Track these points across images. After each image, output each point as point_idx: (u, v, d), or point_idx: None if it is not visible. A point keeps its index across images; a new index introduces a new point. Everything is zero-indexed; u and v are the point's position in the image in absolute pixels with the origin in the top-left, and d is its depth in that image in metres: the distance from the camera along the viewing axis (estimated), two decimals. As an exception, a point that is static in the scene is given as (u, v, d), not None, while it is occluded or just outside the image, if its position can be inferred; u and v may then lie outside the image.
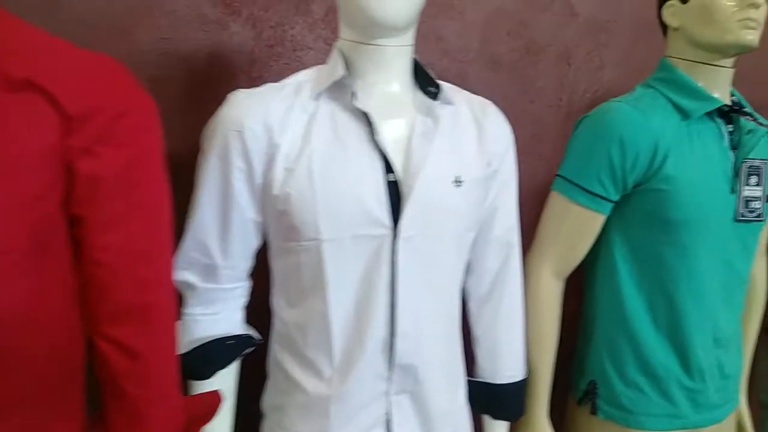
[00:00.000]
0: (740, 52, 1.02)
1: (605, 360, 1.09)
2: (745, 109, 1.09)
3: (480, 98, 0.98)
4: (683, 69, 1.06)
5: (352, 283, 0.82)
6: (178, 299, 0.81)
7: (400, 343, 0.83)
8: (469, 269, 0.98)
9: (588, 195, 1.03)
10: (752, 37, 0.99)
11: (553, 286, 1.07)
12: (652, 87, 1.08)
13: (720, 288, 1.05)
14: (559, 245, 1.06)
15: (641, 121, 1.00)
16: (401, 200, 0.83)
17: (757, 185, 1.05)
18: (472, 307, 1.00)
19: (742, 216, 1.04)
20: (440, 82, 0.91)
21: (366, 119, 0.83)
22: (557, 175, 1.08)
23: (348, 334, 0.83)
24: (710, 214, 1.01)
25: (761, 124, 1.06)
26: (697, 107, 1.02)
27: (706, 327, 1.05)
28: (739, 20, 0.98)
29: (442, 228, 0.85)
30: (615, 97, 1.12)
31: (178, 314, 0.81)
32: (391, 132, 0.85)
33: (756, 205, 1.05)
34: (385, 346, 0.83)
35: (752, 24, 0.98)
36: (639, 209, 1.03)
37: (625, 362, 1.07)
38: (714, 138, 1.04)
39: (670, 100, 1.04)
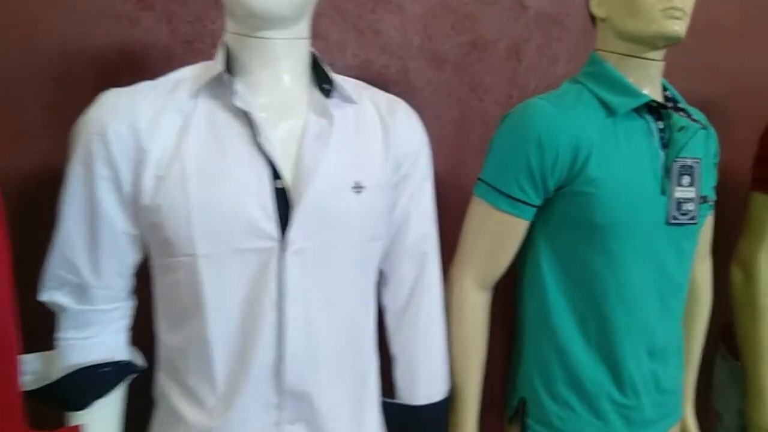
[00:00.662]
0: (667, 43, 0.96)
1: (534, 376, 1.03)
2: (679, 105, 1.03)
3: (389, 96, 0.91)
4: (613, 63, 1.00)
5: (235, 303, 0.75)
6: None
7: (289, 368, 0.76)
8: (384, 281, 0.93)
9: (508, 200, 0.97)
10: (678, 27, 0.93)
11: (477, 296, 1.01)
12: (579, 82, 1.03)
13: (654, 296, 0.99)
14: (480, 253, 1.00)
15: (561, 120, 0.94)
16: (290, 209, 0.76)
17: (690, 186, 0.99)
18: (389, 322, 0.94)
19: (675, 219, 0.98)
20: (338, 79, 0.85)
21: (247, 119, 0.76)
22: (478, 179, 1.02)
23: (232, 359, 0.76)
24: (639, 217, 0.95)
25: (695, 121, 1.00)
26: (623, 103, 0.96)
27: (639, 338, 0.99)
28: (662, 9, 0.92)
29: (338, 238, 0.79)
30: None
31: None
32: (280, 134, 0.78)
33: (689, 207, 0.99)
34: (273, 371, 0.76)
35: (677, 13, 0.92)
36: (563, 214, 0.97)
37: (554, 378, 1.01)
38: (643, 136, 0.98)
39: (596, 96, 0.98)
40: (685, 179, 0.98)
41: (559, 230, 0.98)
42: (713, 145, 1.09)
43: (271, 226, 0.75)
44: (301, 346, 0.77)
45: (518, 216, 0.98)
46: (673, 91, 1.05)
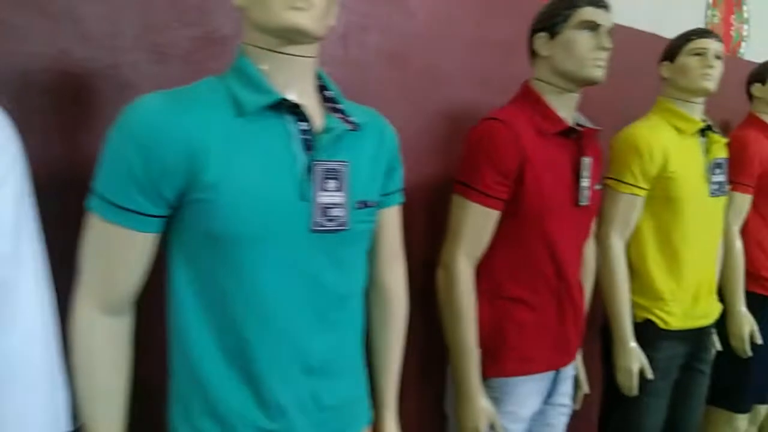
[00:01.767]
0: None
1: (174, 406, 0.90)
2: (337, 105, 0.93)
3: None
4: (254, 57, 0.88)
5: None
6: None
7: None
8: None
9: (119, 211, 0.82)
10: (302, 19, 0.92)
11: (102, 323, 0.86)
12: (220, 77, 0.91)
13: (306, 310, 0.88)
14: (100, 273, 0.85)
15: (168, 119, 0.81)
16: None
17: (338, 190, 0.87)
18: None
19: (320, 226, 0.87)
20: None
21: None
22: (90, 189, 0.87)
23: None
24: (273, 226, 0.84)
25: (349, 122, 0.91)
26: (253, 101, 0.85)
27: (288, 356, 0.87)
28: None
29: None
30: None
31: None
32: None
33: (337, 212, 0.88)
34: None
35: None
36: (189, 225, 0.85)
37: (191, 407, 0.87)
38: (278, 138, 0.86)
39: (230, 93, 0.87)
40: (331, 183, 0.86)
41: (190, 243, 0.86)
42: (386, 146, 1.00)
43: None
44: None
45: (134, 228, 0.84)
46: (334, 90, 0.95)
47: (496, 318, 1.28)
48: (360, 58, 1.60)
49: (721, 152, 1.65)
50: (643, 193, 1.57)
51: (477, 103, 1.91)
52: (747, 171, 1.90)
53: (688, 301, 1.62)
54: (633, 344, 1.59)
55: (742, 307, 1.91)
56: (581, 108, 1.44)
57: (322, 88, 0.94)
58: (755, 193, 1.94)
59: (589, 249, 1.53)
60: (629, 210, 1.58)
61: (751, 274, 1.96)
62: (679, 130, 1.60)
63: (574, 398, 1.52)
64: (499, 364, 1.28)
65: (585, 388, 1.53)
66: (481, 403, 1.25)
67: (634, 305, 1.62)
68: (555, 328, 1.31)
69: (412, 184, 1.55)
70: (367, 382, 1.04)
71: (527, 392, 1.30)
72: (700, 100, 1.62)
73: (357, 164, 0.91)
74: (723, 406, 2.05)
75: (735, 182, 1.91)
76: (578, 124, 1.34)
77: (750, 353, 1.91)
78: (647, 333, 1.61)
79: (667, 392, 1.64)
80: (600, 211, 1.60)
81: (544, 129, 1.26)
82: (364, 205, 0.92)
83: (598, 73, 1.25)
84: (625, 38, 2.16)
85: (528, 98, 1.31)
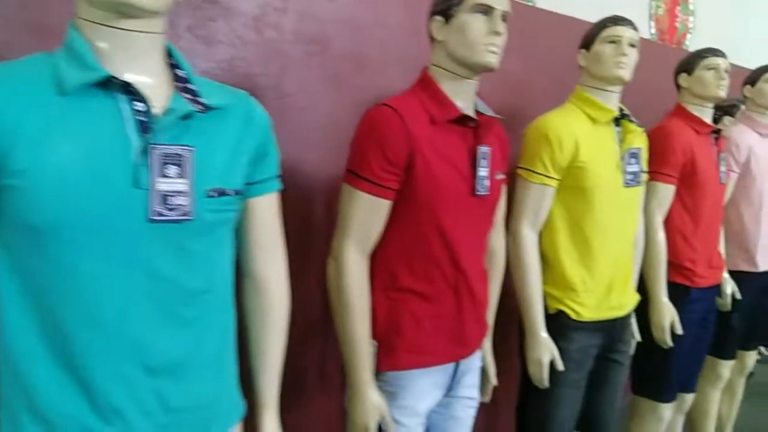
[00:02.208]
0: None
1: (2, 411, 0.84)
2: (190, 86, 0.87)
3: None
4: (87, 33, 0.82)
5: None
6: None
7: None
8: None
9: None
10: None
11: None
12: (51, 53, 0.84)
13: (148, 305, 0.83)
14: None
15: None
16: None
17: (181, 177, 0.82)
18: None
19: (159, 215, 0.81)
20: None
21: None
22: None
23: None
24: (100, 215, 0.78)
25: (198, 103, 0.85)
26: (76, 78, 0.78)
27: (125, 355, 0.82)
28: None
29: None
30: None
31: None
32: None
33: (180, 201, 0.82)
34: None
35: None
36: (6, 214, 0.79)
37: (18, 410, 0.82)
38: (107, 119, 0.80)
39: (55, 69, 0.80)
40: (172, 169, 0.81)
41: (10, 234, 0.80)
42: (254, 130, 0.94)
43: None
44: None
45: None
46: (186, 69, 0.89)
47: (391, 310, 1.25)
48: (276, 41, 1.55)
49: (636, 141, 1.64)
50: (553, 183, 1.55)
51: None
52: (670, 161, 1.90)
53: (601, 291, 1.61)
54: (544, 335, 1.57)
55: (663, 298, 1.91)
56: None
57: (174, 66, 0.89)
58: (679, 183, 1.94)
59: (498, 240, 1.51)
60: (540, 200, 1.56)
61: (673, 265, 1.97)
62: (592, 119, 1.59)
63: (483, 390, 1.50)
64: (393, 357, 1.25)
65: (493, 381, 1.52)
66: (371, 398, 1.21)
67: (547, 296, 1.61)
68: (453, 319, 1.29)
69: (337, 175, 1.50)
70: (238, 379, 1.01)
71: (424, 386, 1.28)
72: (616, 88, 1.61)
73: (211, 149, 0.86)
74: (647, 395, 2.06)
75: (658, 172, 1.91)
76: (479, 113, 1.31)
77: (671, 344, 1.92)
78: (559, 324, 1.60)
79: (581, 384, 1.64)
80: (512, 201, 1.58)
81: (437, 117, 1.22)
82: (220, 193, 0.87)
83: (491, 59, 1.21)
84: (567, 29, 2.15)
85: (424, 85, 1.27)
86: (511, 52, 2.32)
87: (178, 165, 0.81)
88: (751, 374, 3.68)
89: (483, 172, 1.27)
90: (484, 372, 1.50)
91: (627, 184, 1.60)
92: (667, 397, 2.03)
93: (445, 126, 1.23)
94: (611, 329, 1.66)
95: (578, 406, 1.65)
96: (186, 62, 0.89)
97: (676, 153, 1.89)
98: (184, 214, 0.82)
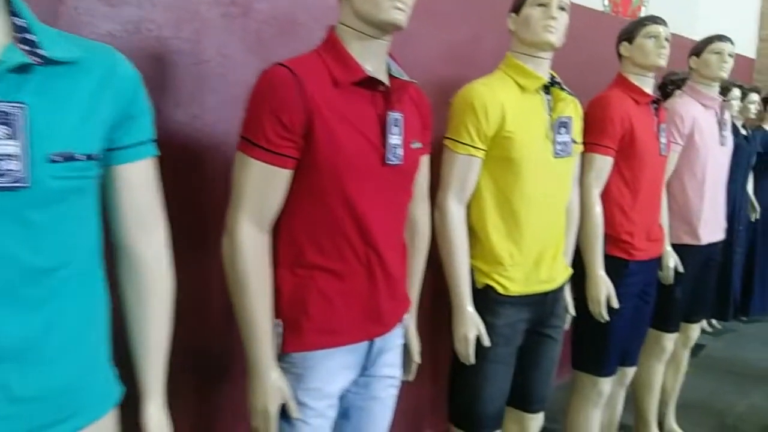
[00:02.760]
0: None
1: None
2: (29, 36, 0.78)
3: None
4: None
5: None
6: None
7: None
8: None
9: None
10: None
11: None
12: None
13: None
14: None
15: None
16: None
17: (11, 138, 0.72)
18: None
19: None
20: None
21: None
22: None
23: None
24: None
25: (36, 55, 0.76)
26: None
27: None
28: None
29: None
30: None
31: None
32: None
33: (11, 166, 0.73)
34: None
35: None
36: None
37: None
38: None
39: None
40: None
41: None
42: (116, 89, 0.86)
43: None
44: None
45: None
46: (28, 17, 0.79)
47: (298, 287, 1.18)
48: (191, 2, 1.45)
49: (567, 110, 1.59)
50: (480, 153, 1.50)
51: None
52: (607, 132, 1.86)
53: (529, 265, 1.57)
54: (470, 310, 1.53)
55: (600, 271, 1.89)
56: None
57: (13, 15, 0.79)
58: (617, 155, 1.90)
59: (419, 211, 1.42)
60: (466, 172, 1.50)
61: (611, 238, 1.94)
62: (521, 87, 1.53)
63: (406, 369, 1.45)
64: (299, 337, 1.17)
65: (416, 358, 1.47)
66: (272, 381, 1.15)
67: (475, 270, 1.57)
68: (365, 296, 1.22)
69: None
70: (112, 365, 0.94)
71: (334, 366, 1.21)
72: (546, 54, 1.54)
73: (55, 108, 0.77)
74: (586, 370, 2.05)
75: (595, 144, 1.87)
76: (393, 77, 1.23)
77: (607, 317, 1.90)
78: (487, 299, 1.56)
79: (509, 359, 1.60)
80: (439, 173, 1.52)
81: (340, 79, 1.13)
82: (67, 158, 0.78)
83: (398, 16, 1.12)
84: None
85: (329, 45, 1.19)
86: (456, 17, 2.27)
87: (7, 124, 0.72)
88: (702, 347, 3.74)
89: (395, 139, 1.19)
90: (407, 349, 1.44)
91: (557, 155, 1.55)
92: (606, 371, 2.02)
93: (350, 89, 1.15)
94: (541, 303, 1.62)
95: (508, 382, 1.62)
96: (28, 11, 0.80)
97: (614, 124, 1.85)
98: (16, 181, 0.73)
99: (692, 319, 2.51)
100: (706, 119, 2.27)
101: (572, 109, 1.63)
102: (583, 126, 1.78)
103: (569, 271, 1.72)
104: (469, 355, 1.53)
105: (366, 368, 1.29)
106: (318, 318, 1.18)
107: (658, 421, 2.63)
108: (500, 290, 1.55)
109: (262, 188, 1.10)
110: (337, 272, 1.18)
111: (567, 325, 1.83)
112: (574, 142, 1.63)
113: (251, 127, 1.10)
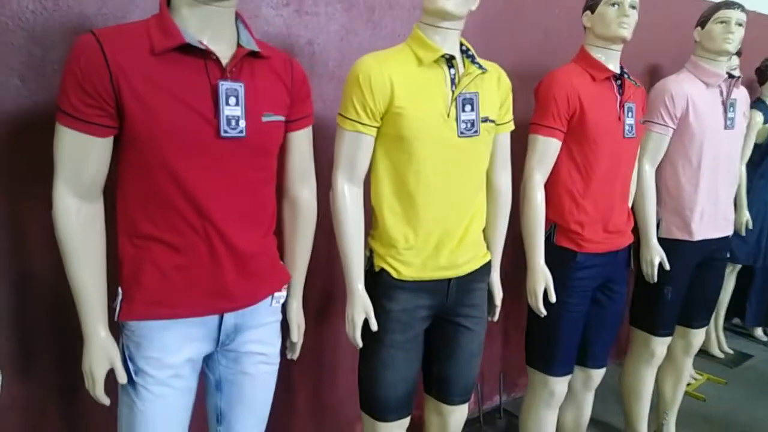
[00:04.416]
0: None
1: None
2: None
3: None
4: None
5: None
6: None
7: None
8: None
9: None
10: None
11: None
12: None
13: None
14: None
15: None
16: None
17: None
18: None
19: None
20: None
21: None
22: None
23: None
24: None
25: None
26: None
27: None
28: None
29: None
30: None
31: None
32: None
33: None
34: None
35: None
36: None
37: None
38: None
39: None
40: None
41: None
42: None
43: None
44: None
45: None
46: None
47: (134, 258, 1.19)
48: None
49: (475, 86, 1.47)
50: (368, 130, 1.42)
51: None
52: (550, 112, 1.70)
53: (428, 250, 1.48)
54: (359, 292, 1.48)
55: (539, 262, 1.75)
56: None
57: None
58: (568, 137, 1.74)
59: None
60: (354, 149, 1.44)
61: (561, 227, 1.79)
62: (419, 60, 1.43)
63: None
64: (131, 307, 1.19)
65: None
66: (96, 346, 1.18)
67: (374, 253, 1.51)
68: (208, 271, 1.21)
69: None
70: None
71: (173, 338, 1.21)
72: (448, 24, 1.41)
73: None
74: (536, 367, 1.92)
75: (537, 124, 1.73)
76: (240, 45, 1.18)
77: (544, 311, 1.76)
78: (382, 282, 1.49)
79: (408, 345, 1.52)
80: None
81: (157, 46, 1.10)
82: None
83: None
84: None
85: (159, 11, 1.14)
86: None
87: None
88: (747, 357, 3.35)
89: (231, 111, 1.16)
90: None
91: (461, 134, 1.44)
92: (556, 370, 1.88)
93: (173, 58, 1.11)
94: (443, 291, 1.53)
95: (412, 370, 1.55)
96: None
97: (557, 103, 1.69)
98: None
99: (693, 324, 2.25)
100: (705, 99, 2.01)
101: (487, 85, 1.50)
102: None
103: (486, 258, 1.60)
104: (355, 338, 1.48)
105: (223, 343, 1.29)
106: (150, 289, 1.19)
107: (655, 430, 2.41)
108: (394, 274, 1.48)
109: (76, 156, 1.11)
110: (174, 245, 1.18)
111: (496, 317, 1.72)
112: (489, 121, 1.50)
113: (61, 96, 1.11)
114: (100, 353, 1.19)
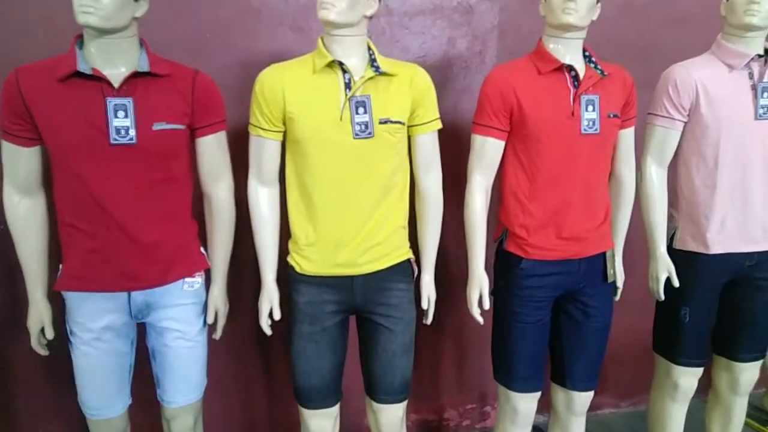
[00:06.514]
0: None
1: None
2: None
3: None
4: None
5: None
6: None
7: None
8: None
9: None
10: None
11: None
12: None
13: None
14: None
15: None
16: None
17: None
18: None
19: None
20: None
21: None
22: None
23: None
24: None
25: None
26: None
27: None
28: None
29: None
30: None
31: None
32: None
33: None
34: None
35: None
36: None
37: None
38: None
39: None
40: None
41: None
42: None
43: None
44: None
45: None
46: None
47: (64, 240, 1.50)
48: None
49: (369, 89, 1.48)
50: (270, 135, 1.53)
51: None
52: (483, 110, 1.61)
53: (328, 248, 1.54)
54: (268, 284, 1.61)
55: (477, 268, 1.66)
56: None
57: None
58: (512, 136, 1.62)
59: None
60: (259, 153, 1.56)
61: (508, 232, 1.66)
62: (314, 67, 1.50)
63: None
64: (61, 280, 1.51)
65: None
66: (36, 309, 1.55)
67: (289, 248, 1.62)
68: (114, 256, 1.46)
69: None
70: None
71: (92, 308, 1.50)
72: (342, 32, 1.48)
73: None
74: (499, 381, 1.79)
75: (473, 122, 1.64)
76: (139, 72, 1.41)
77: (480, 320, 1.65)
78: (290, 276, 1.60)
79: (317, 338, 1.57)
80: None
81: (59, 74, 1.35)
82: None
83: (83, 19, 1.30)
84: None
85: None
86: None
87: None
88: None
89: (120, 122, 1.39)
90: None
91: (357, 136, 1.48)
92: (517, 385, 1.74)
93: (73, 83, 1.37)
94: (348, 288, 1.57)
95: (324, 360, 1.59)
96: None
97: (490, 100, 1.59)
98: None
99: (737, 357, 1.86)
100: (724, 85, 1.67)
101: (384, 87, 1.53)
102: None
103: (401, 258, 1.59)
104: (263, 326, 1.61)
105: (137, 317, 1.55)
106: (72, 267, 1.50)
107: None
108: (297, 269, 1.58)
109: (12, 162, 1.46)
110: (87, 232, 1.47)
111: (429, 320, 1.68)
112: (392, 122, 1.50)
113: (1, 118, 1.44)
114: (35, 313, 1.54)
